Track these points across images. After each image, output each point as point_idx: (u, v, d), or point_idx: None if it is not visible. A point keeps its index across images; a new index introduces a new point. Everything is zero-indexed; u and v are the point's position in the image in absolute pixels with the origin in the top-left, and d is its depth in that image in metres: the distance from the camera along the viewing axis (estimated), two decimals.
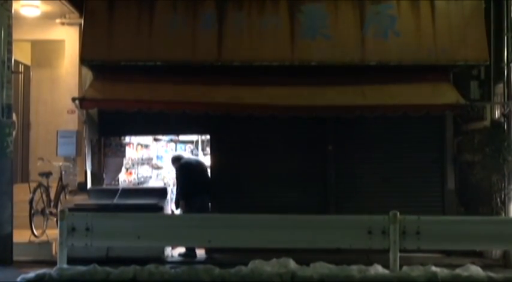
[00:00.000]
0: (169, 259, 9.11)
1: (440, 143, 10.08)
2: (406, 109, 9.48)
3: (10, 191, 8.75)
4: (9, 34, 8.72)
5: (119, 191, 9.63)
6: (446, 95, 9.62)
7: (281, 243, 7.97)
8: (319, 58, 9.55)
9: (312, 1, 9.69)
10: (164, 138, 12.85)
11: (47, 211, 9.71)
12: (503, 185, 9.20)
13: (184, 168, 9.93)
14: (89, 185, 10.16)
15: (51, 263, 8.09)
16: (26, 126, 11.90)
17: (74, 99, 9.58)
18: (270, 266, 7.69)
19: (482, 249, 9.11)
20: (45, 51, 11.92)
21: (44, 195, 9.73)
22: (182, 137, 12.65)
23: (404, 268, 7.69)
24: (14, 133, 9.00)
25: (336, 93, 9.59)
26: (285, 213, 8.32)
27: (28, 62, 11.98)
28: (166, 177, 12.18)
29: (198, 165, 10.18)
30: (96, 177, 10.30)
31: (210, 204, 9.91)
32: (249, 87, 9.68)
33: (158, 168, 12.78)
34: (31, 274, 7.52)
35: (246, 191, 9.99)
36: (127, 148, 11.02)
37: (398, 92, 9.60)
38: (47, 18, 10.85)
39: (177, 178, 10.02)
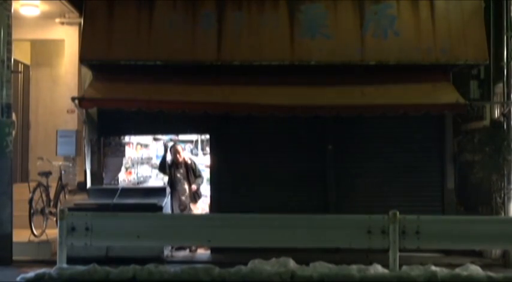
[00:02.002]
0: (168, 259, 9.11)
1: (440, 143, 10.10)
2: (405, 109, 9.48)
3: (10, 190, 8.77)
4: (8, 34, 8.74)
5: (119, 191, 9.64)
6: (446, 94, 9.61)
7: (281, 243, 7.95)
8: (319, 58, 9.56)
9: (312, 1, 9.70)
10: (164, 137, 12.86)
11: (47, 211, 9.72)
12: (503, 184, 9.24)
13: None
14: (88, 185, 10.16)
15: (51, 262, 8.10)
16: (25, 125, 11.89)
17: (73, 99, 9.56)
18: (269, 266, 7.69)
19: (481, 249, 9.12)
20: (44, 50, 11.90)
21: (43, 195, 9.75)
22: (182, 137, 12.66)
23: (404, 267, 7.68)
24: (13, 133, 9.00)
25: (335, 93, 9.59)
26: (285, 213, 8.35)
27: (28, 62, 11.97)
28: (165, 177, 12.18)
29: None
30: (96, 177, 10.31)
31: None
32: (248, 86, 9.68)
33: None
34: (31, 274, 7.51)
35: (245, 191, 10.01)
36: (127, 148, 11.04)
37: (398, 91, 9.59)
38: (46, 18, 10.84)
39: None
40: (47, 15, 10.77)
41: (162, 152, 12.93)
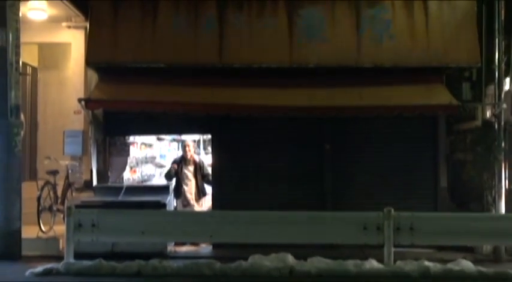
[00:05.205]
0: (172, 254, 9.17)
1: (434, 142, 10.14)
2: (400, 110, 9.61)
3: (19, 188, 8.86)
4: (17, 37, 8.81)
5: (124, 189, 9.71)
6: (440, 96, 9.71)
7: (280, 239, 8.12)
8: (317, 60, 9.67)
9: (310, 5, 9.79)
10: (167, 137, 12.99)
11: (54, 208, 9.81)
12: (493, 182, 9.32)
13: None
14: (94, 183, 10.25)
15: (59, 257, 8.27)
16: (33, 126, 11.80)
17: (79, 100, 9.69)
18: (269, 261, 7.85)
19: (473, 245, 9.12)
20: (52, 53, 11.76)
21: (51, 193, 9.85)
22: (184, 137, 12.81)
23: (398, 262, 7.87)
24: (22, 133, 9.09)
25: (333, 95, 9.68)
26: (284, 210, 8.51)
27: (35, 64, 11.84)
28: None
29: None
30: (102, 175, 10.40)
31: None
32: (249, 88, 9.77)
33: (161, 166, 12.92)
34: (39, 268, 7.70)
35: (246, 189, 10.08)
36: (131, 147, 11.13)
37: (393, 93, 9.67)
38: (53, 22, 10.75)
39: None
40: (54, 19, 10.70)
41: (165, 152, 13.19)
